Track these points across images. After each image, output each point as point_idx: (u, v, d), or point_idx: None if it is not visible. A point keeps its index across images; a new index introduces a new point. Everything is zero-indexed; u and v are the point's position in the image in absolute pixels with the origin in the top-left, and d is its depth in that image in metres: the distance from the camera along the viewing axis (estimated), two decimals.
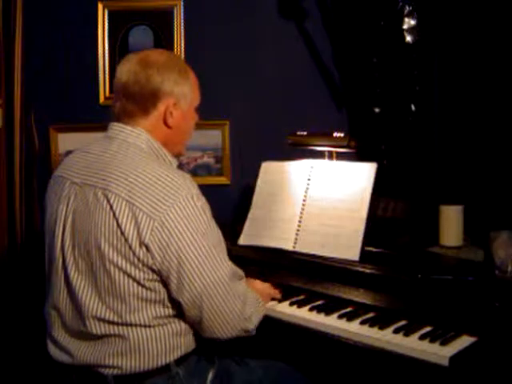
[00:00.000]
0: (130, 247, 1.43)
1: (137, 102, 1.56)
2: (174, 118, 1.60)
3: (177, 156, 1.68)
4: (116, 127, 1.58)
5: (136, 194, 1.44)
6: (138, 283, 1.45)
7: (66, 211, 1.54)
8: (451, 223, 2.05)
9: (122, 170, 1.48)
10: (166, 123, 1.59)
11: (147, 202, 1.43)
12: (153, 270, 1.45)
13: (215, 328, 1.52)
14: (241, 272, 1.62)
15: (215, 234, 1.53)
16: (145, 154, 1.54)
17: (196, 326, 1.54)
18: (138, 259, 1.43)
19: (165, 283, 1.47)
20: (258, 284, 1.89)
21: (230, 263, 1.54)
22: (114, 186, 1.46)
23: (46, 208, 1.65)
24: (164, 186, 1.45)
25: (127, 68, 1.58)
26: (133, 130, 1.56)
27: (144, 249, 1.43)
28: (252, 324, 1.59)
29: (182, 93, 1.60)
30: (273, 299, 1.90)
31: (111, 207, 1.44)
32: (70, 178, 1.56)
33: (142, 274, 1.45)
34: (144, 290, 1.46)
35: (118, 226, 1.43)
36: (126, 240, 1.43)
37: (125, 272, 1.45)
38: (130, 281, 1.45)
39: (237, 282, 1.56)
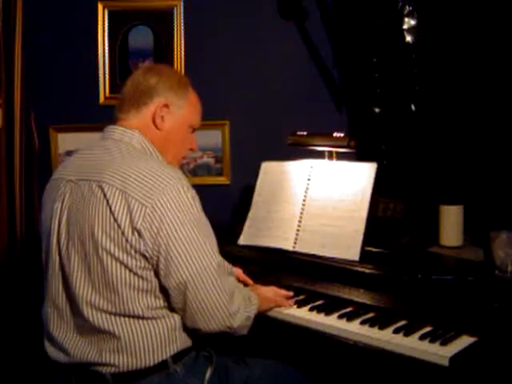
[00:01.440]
0: (123, 234, 1.45)
1: (132, 97, 1.65)
2: (165, 122, 1.65)
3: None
4: (111, 129, 1.64)
5: (130, 185, 1.47)
6: (130, 271, 1.47)
7: (61, 208, 1.56)
8: (451, 223, 2.06)
9: (117, 165, 1.52)
10: (155, 124, 1.64)
11: (140, 191, 1.46)
12: (145, 257, 1.47)
13: (198, 319, 1.51)
14: (230, 268, 1.60)
15: (205, 226, 1.54)
16: (138, 152, 1.59)
17: (180, 314, 1.53)
18: (131, 246, 1.46)
19: (156, 272, 1.49)
20: (262, 289, 1.86)
21: (219, 256, 1.54)
22: (109, 178, 1.50)
23: (42, 211, 1.67)
24: (156, 176, 1.48)
25: (133, 74, 1.70)
26: (126, 131, 1.61)
27: (136, 235, 1.45)
28: (236, 322, 1.54)
29: (175, 101, 1.66)
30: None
31: (105, 196, 1.48)
32: (66, 177, 1.60)
33: (134, 261, 1.47)
34: (136, 279, 1.48)
35: (112, 213, 1.46)
36: (119, 227, 1.45)
37: (117, 259, 1.46)
38: (123, 268, 1.47)
39: (225, 275, 1.55)
